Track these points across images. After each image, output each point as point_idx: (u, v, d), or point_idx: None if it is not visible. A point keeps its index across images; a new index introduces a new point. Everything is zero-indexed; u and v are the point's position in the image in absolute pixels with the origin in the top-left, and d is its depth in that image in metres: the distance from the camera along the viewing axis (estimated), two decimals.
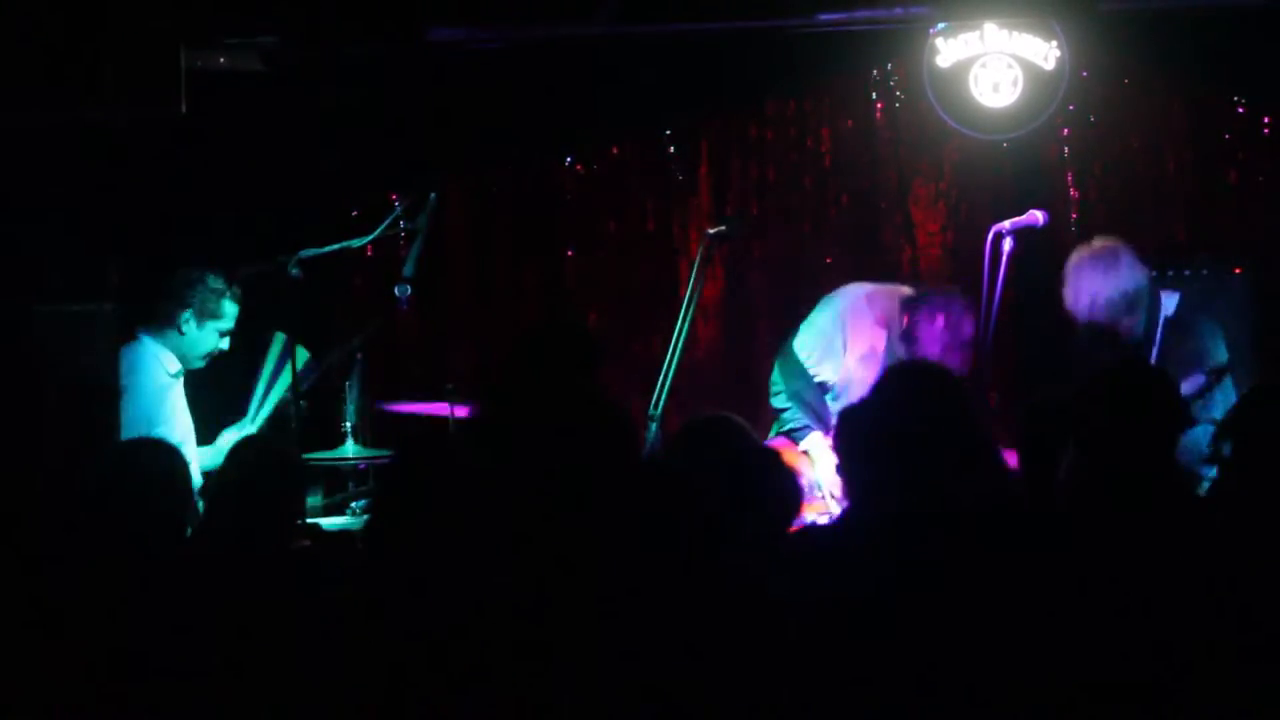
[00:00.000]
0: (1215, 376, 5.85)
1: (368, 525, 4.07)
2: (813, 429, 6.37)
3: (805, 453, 6.34)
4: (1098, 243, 6.20)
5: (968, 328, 6.25)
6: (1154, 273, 6.19)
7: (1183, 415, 4.12)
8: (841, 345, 6.41)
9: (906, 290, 6.44)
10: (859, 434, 4.55)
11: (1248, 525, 3.86)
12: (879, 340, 6.39)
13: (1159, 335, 6.04)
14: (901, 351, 6.29)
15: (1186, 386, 5.77)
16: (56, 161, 5.99)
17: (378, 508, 4.15)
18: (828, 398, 6.45)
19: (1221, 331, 6.07)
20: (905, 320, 6.29)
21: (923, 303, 6.31)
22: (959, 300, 6.34)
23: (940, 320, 6.22)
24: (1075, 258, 6.15)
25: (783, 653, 3.58)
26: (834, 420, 6.29)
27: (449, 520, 3.76)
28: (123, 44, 6.03)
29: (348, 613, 3.76)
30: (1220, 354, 5.95)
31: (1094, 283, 6.03)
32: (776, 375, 6.53)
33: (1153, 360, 5.97)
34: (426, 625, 3.61)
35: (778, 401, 6.51)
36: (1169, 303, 6.11)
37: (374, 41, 6.82)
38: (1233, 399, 5.89)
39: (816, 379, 6.43)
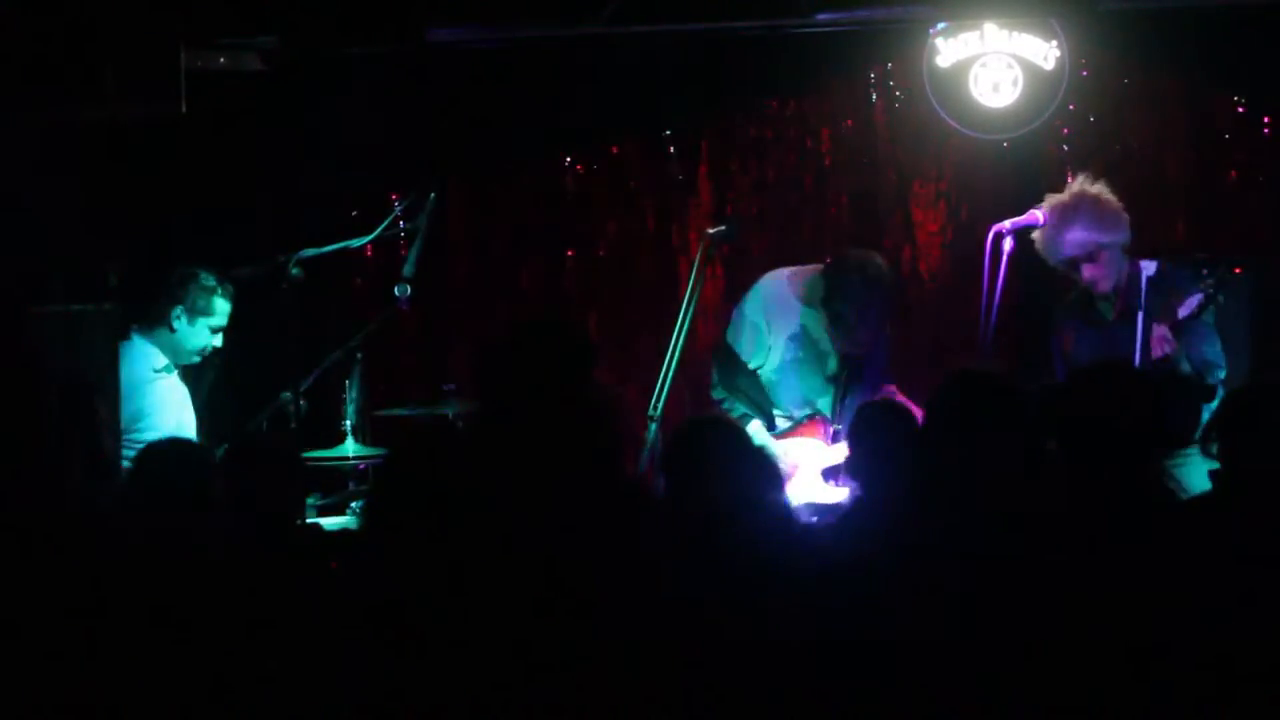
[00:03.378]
0: (1210, 292, 5.84)
1: (362, 525, 4.07)
2: (751, 417, 6.36)
3: None
4: (1065, 193, 6.20)
5: (887, 284, 6.27)
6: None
7: (1164, 415, 4.13)
8: (766, 329, 6.41)
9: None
10: (881, 431, 4.59)
11: (1239, 523, 3.87)
12: (804, 315, 6.40)
13: (1143, 298, 6.05)
14: (826, 321, 6.29)
15: (1183, 310, 5.84)
16: (57, 161, 5.99)
17: (371, 508, 4.14)
18: (766, 381, 6.45)
19: (1203, 276, 6.07)
20: (823, 289, 6.29)
21: (836, 267, 6.32)
22: (873, 257, 6.35)
23: (857, 281, 6.23)
24: (1058, 201, 6.17)
25: (790, 649, 3.59)
26: (773, 406, 6.37)
27: (444, 521, 3.76)
28: (123, 44, 6.03)
29: (348, 609, 3.76)
30: (1205, 283, 5.93)
31: (1049, 229, 6.08)
32: (714, 370, 6.52)
33: (1139, 320, 6.00)
34: (425, 624, 3.61)
35: (716, 394, 6.49)
36: (1149, 267, 6.12)
37: (374, 41, 6.82)
38: (1213, 345, 5.96)
39: (751, 366, 6.43)
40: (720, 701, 3.54)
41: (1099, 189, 6.17)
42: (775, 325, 6.41)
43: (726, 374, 6.43)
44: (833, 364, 6.42)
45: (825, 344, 6.41)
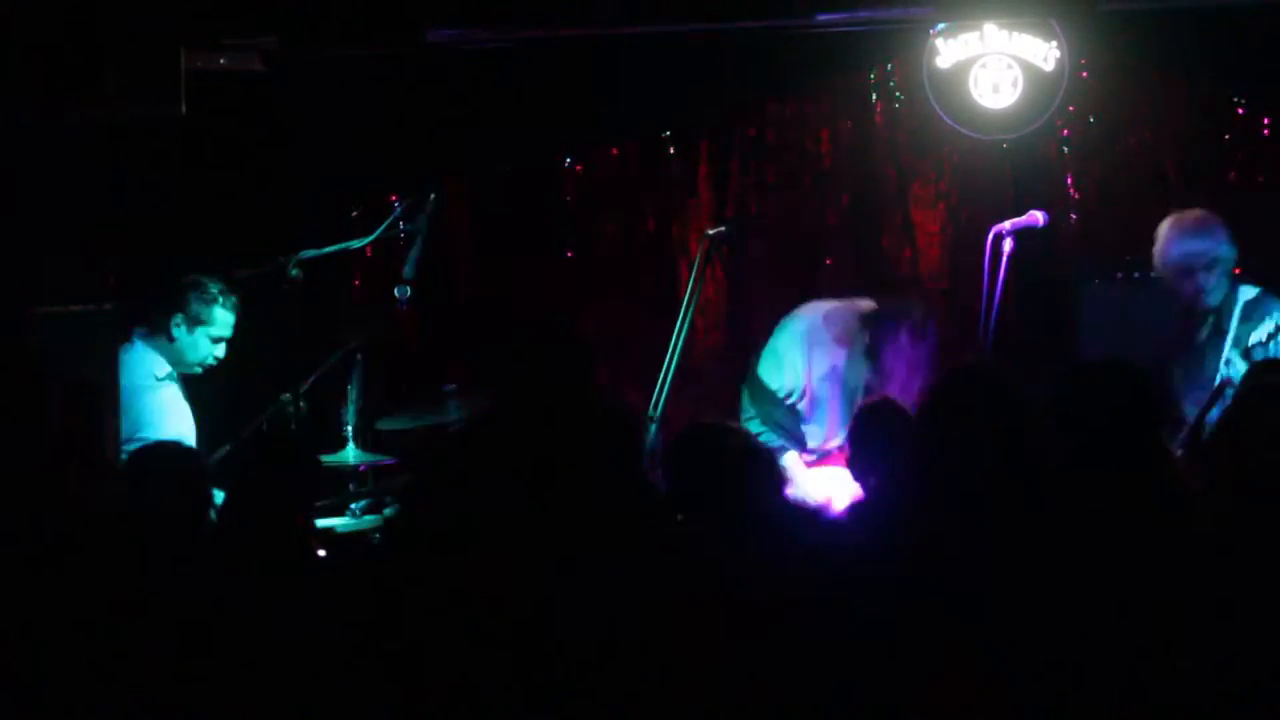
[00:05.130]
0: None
1: (391, 527, 4.08)
2: (788, 448, 6.35)
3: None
4: (1187, 211, 6.29)
5: (931, 338, 6.25)
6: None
7: (1162, 411, 4.15)
8: (804, 367, 6.40)
9: (865, 304, 6.40)
10: (881, 434, 4.59)
11: (1243, 525, 3.87)
12: (839, 359, 6.38)
13: (1235, 320, 6.10)
14: (865, 369, 6.28)
15: (1253, 338, 5.99)
16: (57, 161, 5.99)
17: (405, 510, 4.14)
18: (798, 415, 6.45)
19: None
20: (868, 338, 6.28)
21: (884, 318, 6.30)
22: (919, 310, 6.34)
23: (904, 335, 6.22)
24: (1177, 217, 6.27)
25: (791, 649, 3.59)
26: (811, 434, 6.37)
27: (471, 519, 3.76)
28: (123, 44, 6.03)
29: (362, 612, 3.76)
30: None
31: (1162, 243, 6.17)
32: (745, 401, 6.51)
33: (1228, 340, 6.05)
34: (440, 626, 3.61)
35: (751, 426, 6.42)
36: (1247, 292, 6.17)
37: (374, 41, 6.81)
38: None
39: (785, 401, 6.42)
40: (725, 702, 3.55)
41: (1190, 211, 6.27)
42: (812, 364, 6.40)
43: (760, 406, 6.42)
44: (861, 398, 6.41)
45: (855, 381, 6.39)
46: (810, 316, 6.50)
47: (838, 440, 6.39)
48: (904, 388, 6.26)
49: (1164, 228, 6.23)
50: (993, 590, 3.73)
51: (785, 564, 3.90)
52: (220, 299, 6.36)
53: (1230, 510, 3.98)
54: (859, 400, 6.26)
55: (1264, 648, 3.63)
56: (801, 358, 6.40)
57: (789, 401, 6.42)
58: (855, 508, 4.77)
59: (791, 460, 6.30)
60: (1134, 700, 3.62)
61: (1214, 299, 6.14)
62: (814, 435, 6.45)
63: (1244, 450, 4.04)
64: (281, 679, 3.82)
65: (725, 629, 3.59)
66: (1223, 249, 6.16)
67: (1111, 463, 4.01)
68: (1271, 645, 3.63)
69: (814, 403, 6.41)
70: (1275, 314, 6.05)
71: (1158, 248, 6.21)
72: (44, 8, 5.95)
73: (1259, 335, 5.95)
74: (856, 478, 4.99)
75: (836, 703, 3.63)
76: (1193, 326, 6.21)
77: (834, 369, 6.38)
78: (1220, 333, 6.11)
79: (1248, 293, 6.16)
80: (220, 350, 6.41)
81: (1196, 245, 6.13)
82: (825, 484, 6.28)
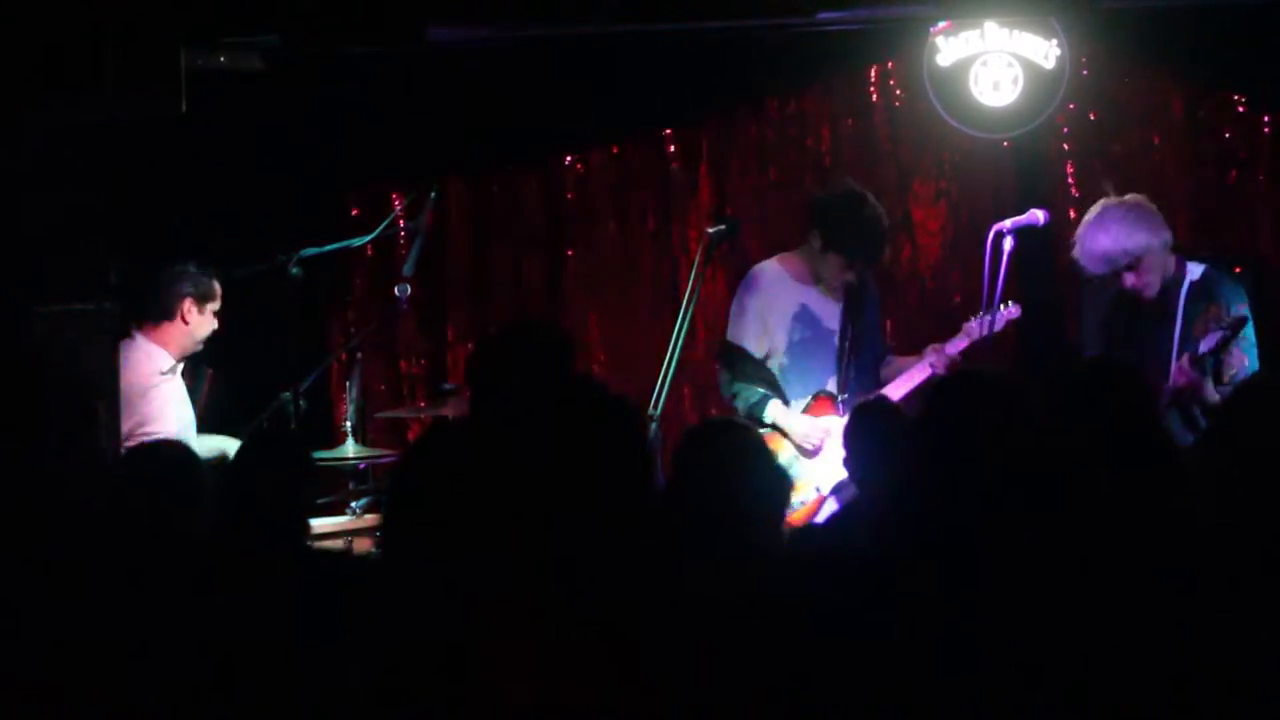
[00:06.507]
0: (1231, 330, 5.81)
1: (382, 521, 4.07)
2: (771, 397, 6.36)
3: (774, 426, 6.33)
4: (1110, 199, 6.13)
5: (871, 200, 6.33)
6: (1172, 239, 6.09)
7: (1150, 413, 4.14)
8: (769, 315, 6.42)
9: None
10: (877, 431, 4.59)
11: (1236, 523, 3.87)
12: (803, 295, 6.43)
13: (1182, 302, 6.01)
14: (830, 276, 6.35)
15: (1204, 345, 5.81)
16: (57, 161, 5.99)
17: (391, 504, 4.14)
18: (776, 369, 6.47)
19: (1243, 290, 6.06)
20: (816, 232, 6.34)
21: (818, 203, 6.40)
22: (853, 183, 6.45)
23: (842, 209, 6.28)
24: (1088, 213, 6.11)
25: (786, 650, 3.59)
26: (796, 388, 6.37)
27: (464, 517, 3.76)
28: (123, 44, 6.03)
29: (361, 611, 3.76)
30: (1238, 309, 5.92)
31: (1094, 237, 5.98)
32: (722, 370, 6.52)
33: (1177, 325, 5.97)
34: (439, 624, 3.61)
35: (728, 390, 6.48)
36: (1194, 270, 6.07)
37: (374, 41, 6.82)
38: (1252, 354, 5.92)
39: (758, 355, 6.44)
40: (723, 701, 3.54)
41: (1131, 197, 6.12)
42: (777, 309, 6.43)
43: (735, 369, 6.44)
44: (835, 341, 6.44)
45: (829, 321, 6.42)
46: (765, 266, 6.55)
47: (818, 389, 6.39)
48: (872, 257, 6.42)
49: (1085, 223, 6.06)
50: (992, 590, 3.73)
51: (786, 564, 3.90)
52: (213, 271, 6.48)
53: (1226, 513, 3.98)
54: (836, 345, 6.32)
55: (1264, 647, 3.62)
56: (765, 306, 6.42)
57: (760, 357, 6.43)
58: (852, 505, 4.78)
59: (776, 409, 6.32)
60: (1135, 700, 3.61)
61: (1158, 288, 6.00)
62: (795, 386, 6.44)
63: (1238, 455, 4.04)
64: (280, 678, 3.82)
65: (726, 627, 3.59)
66: (1154, 240, 5.97)
67: (1111, 462, 4.01)
68: (1271, 645, 3.63)
69: (789, 349, 6.42)
70: (1225, 301, 5.95)
71: (1077, 249, 6.04)
72: (44, 6, 5.95)
73: (1208, 344, 5.81)
74: (851, 476, 4.98)
75: (835, 703, 3.63)
76: (1135, 316, 6.09)
77: (803, 308, 6.40)
78: (1167, 316, 6.02)
79: (1194, 271, 6.07)
80: (215, 323, 6.52)
81: (1124, 242, 5.94)
82: (818, 428, 6.31)
